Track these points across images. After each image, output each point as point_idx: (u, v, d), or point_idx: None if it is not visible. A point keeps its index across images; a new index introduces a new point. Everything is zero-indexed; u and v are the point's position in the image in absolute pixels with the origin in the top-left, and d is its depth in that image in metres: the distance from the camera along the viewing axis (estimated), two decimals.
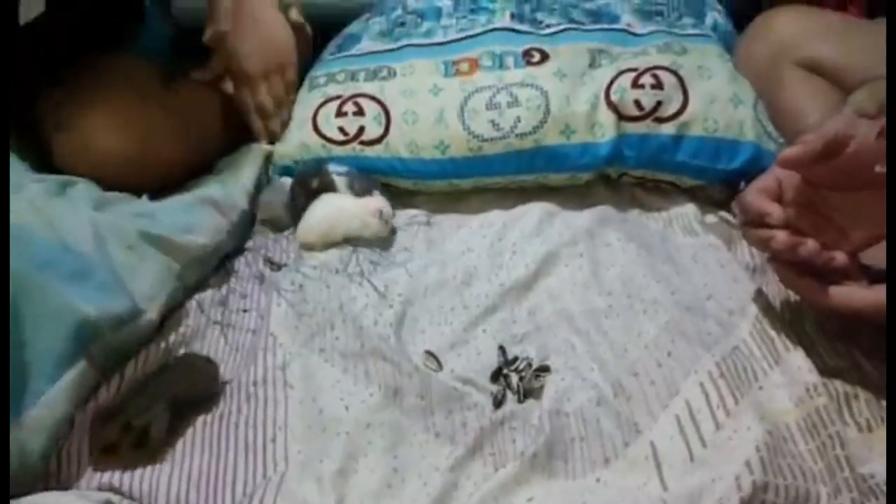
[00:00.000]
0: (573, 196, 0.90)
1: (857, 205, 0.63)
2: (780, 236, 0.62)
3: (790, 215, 0.64)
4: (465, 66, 0.95)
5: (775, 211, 0.63)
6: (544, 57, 0.93)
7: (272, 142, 0.97)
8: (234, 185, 0.89)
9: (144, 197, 0.83)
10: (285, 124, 0.97)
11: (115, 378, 0.64)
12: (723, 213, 0.85)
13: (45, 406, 0.58)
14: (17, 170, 0.76)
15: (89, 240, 0.68)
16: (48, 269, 0.62)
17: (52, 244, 0.65)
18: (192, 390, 0.64)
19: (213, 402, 0.64)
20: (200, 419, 0.63)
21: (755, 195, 0.65)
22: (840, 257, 0.62)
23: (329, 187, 0.87)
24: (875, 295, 0.59)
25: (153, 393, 0.62)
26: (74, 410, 0.61)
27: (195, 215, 0.80)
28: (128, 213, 0.77)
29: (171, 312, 0.74)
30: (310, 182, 0.88)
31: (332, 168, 0.89)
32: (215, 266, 0.82)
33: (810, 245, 0.61)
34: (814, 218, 0.64)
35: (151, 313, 0.69)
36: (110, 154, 0.82)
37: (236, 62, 0.96)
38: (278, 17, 0.99)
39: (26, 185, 0.73)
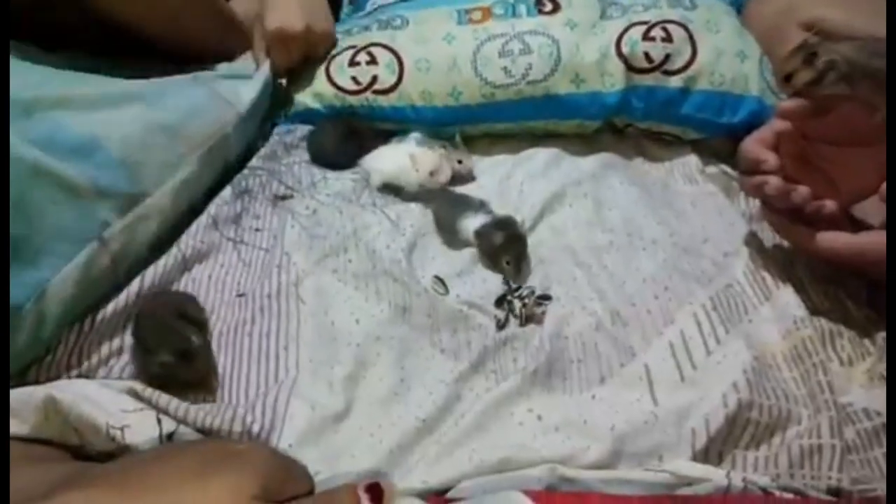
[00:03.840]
0: (579, 143, 0.92)
1: (849, 160, 0.65)
2: (773, 181, 0.64)
3: (785, 166, 0.66)
4: (477, 15, 0.95)
5: (770, 158, 0.66)
6: (556, 6, 0.94)
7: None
8: (239, 81, 0.88)
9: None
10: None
11: (136, 282, 0.66)
12: (723, 166, 0.88)
13: (61, 280, 0.60)
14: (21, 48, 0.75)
15: (95, 117, 0.68)
16: (51, 146, 0.62)
17: (56, 120, 0.65)
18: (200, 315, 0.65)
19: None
20: (216, 329, 0.66)
21: (753, 144, 0.68)
22: (830, 205, 0.64)
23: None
24: (858, 240, 0.62)
25: (181, 320, 0.61)
26: (87, 294, 0.62)
27: (200, 101, 0.79)
28: (129, 93, 0.75)
29: (184, 225, 0.75)
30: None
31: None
32: (226, 170, 0.82)
33: (802, 191, 0.64)
34: (808, 170, 0.67)
35: (157, 198, 0.69)
36: None
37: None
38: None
39: (37, 63, 0.72)
